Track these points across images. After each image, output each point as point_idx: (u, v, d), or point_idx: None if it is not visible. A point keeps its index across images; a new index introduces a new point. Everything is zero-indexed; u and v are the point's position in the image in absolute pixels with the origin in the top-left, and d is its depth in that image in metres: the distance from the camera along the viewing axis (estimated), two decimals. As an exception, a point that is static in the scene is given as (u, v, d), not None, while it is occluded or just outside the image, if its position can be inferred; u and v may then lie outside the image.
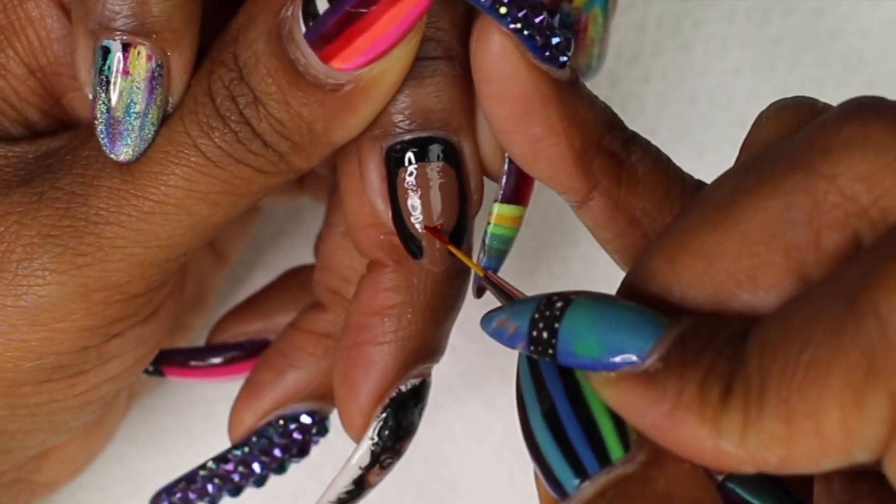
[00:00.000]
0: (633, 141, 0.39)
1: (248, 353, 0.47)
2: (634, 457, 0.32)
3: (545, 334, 0.33)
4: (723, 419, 0.30)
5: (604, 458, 0.32)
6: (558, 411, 0.34)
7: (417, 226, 0.39)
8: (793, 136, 0.33)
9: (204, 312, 0.52)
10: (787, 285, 0.32)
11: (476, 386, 0.55)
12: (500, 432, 0.57)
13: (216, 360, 0.47)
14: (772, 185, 0.32)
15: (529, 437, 0.34)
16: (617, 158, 0.38)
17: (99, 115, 0.38)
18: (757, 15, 0.57)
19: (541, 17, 0.36)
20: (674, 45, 0.58)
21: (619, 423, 0.33)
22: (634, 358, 0.31)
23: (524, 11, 0.36)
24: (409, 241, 0.39)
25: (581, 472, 0.33)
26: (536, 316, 0.33)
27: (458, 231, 0.39)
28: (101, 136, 0.38)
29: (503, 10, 0.36)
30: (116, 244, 0.38)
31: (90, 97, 0.38)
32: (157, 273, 0.39)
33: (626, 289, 0.34)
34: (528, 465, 0.56)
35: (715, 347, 0.31)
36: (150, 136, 0.38)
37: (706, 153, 0.57)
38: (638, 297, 0.33)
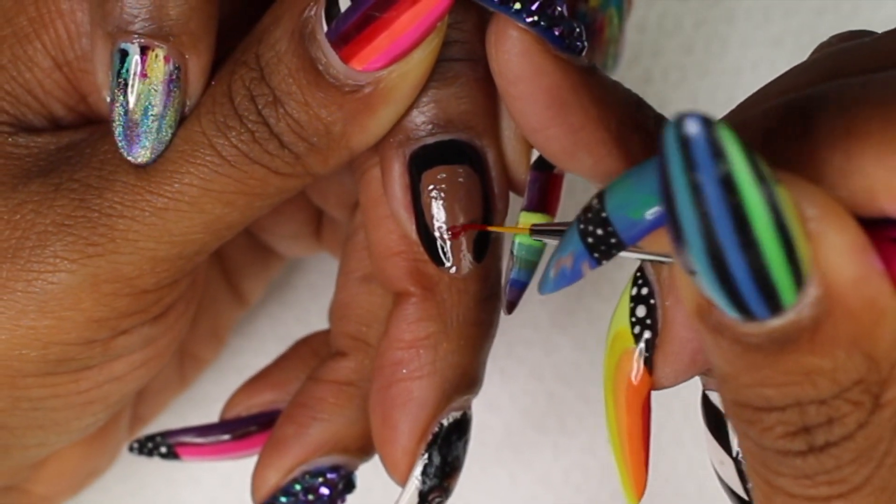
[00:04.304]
0: (662, 118, 0.38)
1: (263, 425, 0.46)
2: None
3: (599, 230, 0.32)
4: None
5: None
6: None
7: (441, 229, 0.38)
8: None
9: (217, 348, 0.52)
10: None
11: (476, 386, 0.55)
12: (500, 432, 0.57)
13: (230, 436, 0.46)
14: None
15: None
16: (651, 135, 0.38)
17: (117, 118, 0.38)
18: (757, 15, 0.58)
19: (552, 8, 0.36)
20: (674, 45, 0.58)
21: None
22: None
23: (538, 4, 0.36)
24: (432, 248, 0.39)
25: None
26: (581, 227, 0.33)
27: (482, 240, 0.39)
28: (119, 138, 0.38)
29: (517, 5, 0.36)
30: (129, 237, 0.38)
31: (108, 100, 0.38)
32: (168, 269, 0.39)
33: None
34: (529, 465, 0.57)
35: None
36: (167, 138, 0.38)
37: (706, 153, 0.57)
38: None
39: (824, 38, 0.54)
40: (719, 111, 0.57)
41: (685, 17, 0.58)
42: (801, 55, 0.56)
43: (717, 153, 0.26)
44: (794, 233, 0.27)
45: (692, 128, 0.26)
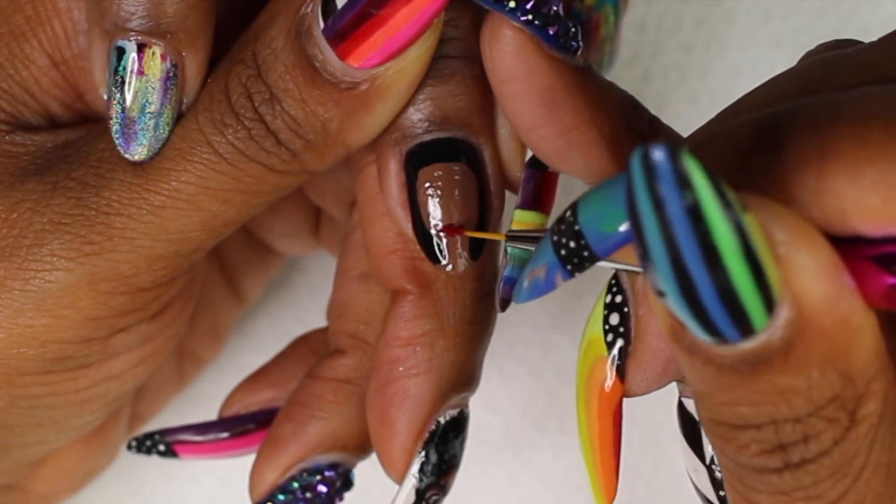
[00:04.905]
0: (656, 121, 0.38)
1: (262, 423, 0.46)
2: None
3: (571, 244, 0.32)
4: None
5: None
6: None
7: (437, 226, 0.38)
8: None
9: (217, 347, 0.52)
10: None
11: (475, 385, 0.55)
12: (499, 431, 0.57)
13: (229, 434, 0.46)
14: None
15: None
16: (645, 138, 0.38)
17: (114, 116, 0.38)
18: (757, 15, 0.58)
19: (548, 7, 0.36)
20: (674, 45, 0.58)
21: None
22: None
23: (532, 3, 0.36)
24: (428, 245, 0.39)
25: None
26: (555, 238, 0.33)
27: (478, 238, 0.39)
28: (116, 135, 0.38)
29: (512, 4, 0.36)
30: (126, 235, 0.38)
31: (105, 97, 0.38)
32: (165, 267, 0.39)
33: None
34: (528, 465, 0.57)
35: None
36: (164, 136, 0.38)
37: (706, 153, 0.57)
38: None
39: (824, 39, 0.54)
40: (719, 111, 0.57)
41: (685, 16, 0.58)
42: (801, 55, 0.56)
43: (683, 182, 0.26)
44: (763, 258, 0.27)
45: (658, 156, 0.26)
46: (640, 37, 0.58)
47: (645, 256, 0.28)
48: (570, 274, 0.33)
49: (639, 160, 0.26)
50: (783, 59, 0.57)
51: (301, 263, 0.57)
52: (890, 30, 0.57)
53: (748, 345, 0.28)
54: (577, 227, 0.32)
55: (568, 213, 0.32)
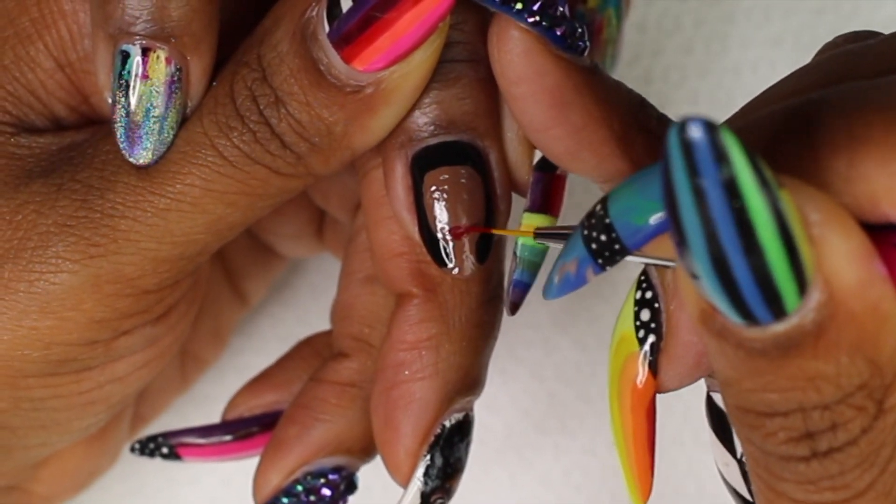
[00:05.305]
0: (665, 118, 0.38)
1: (266, 426, 0.46)
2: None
3: (602, 237, 0.32)
4: None
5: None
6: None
7: (444, 230, 0.38)
8: None
9: (220, 348, 0.52)
10: None
11: (476, 386, 0.55)
12: (500, 433, 0.57)
13: (232, 437, 0.46)
14: None
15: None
16: (655, 136, 0.37)
17: (118, 119, 0.38)
18: (757, 15, 0.58)
19: (554, 8, 0.36)
20: (674, 45, 0.58)
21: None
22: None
23: (539, 4, 0.36)
24: (435, 249, 0.39)
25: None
26: (585, 233, 0.33)
27: (485, 242, 0.39)
28: (121, 139, 0.38)
29: (519, 5, 0.36)
30: (130, 238, 0.38)
31: (109, 101, 0.38)
32: (170, 270, 0.39)
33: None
34: (529, 466, 0.57)
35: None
36: (168, 139, 0.38)
37: (706, 153, 0.57)
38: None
39: (824, 39, 0.54)
40: (720, 111, 0.57)
41: (685, 17, 0.58)
42: (801, 55, 0.56)
43: (721, 157, 0.26)
44: (798, 237, 0.27)
45: (695, 132, 0.26)
46: (640, 37, 0.58)
47: (679, 235, 0.28)
48: (602, 268, 0.33)
49: (676, 135, 0.26)
50: (783, 59, 0.57)
51: (303, 265, 0.57)
52: (890, 30, 0.58)
53: (780, 327, 0.28)
54: (607, 221, 0.32)
55: (598, 207, 0.32)
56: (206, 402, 0.55)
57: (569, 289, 0.34)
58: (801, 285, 0.28)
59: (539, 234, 0.38)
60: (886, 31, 0.57)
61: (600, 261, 0.33)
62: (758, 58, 0.57)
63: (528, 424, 0.57)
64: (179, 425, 0.47)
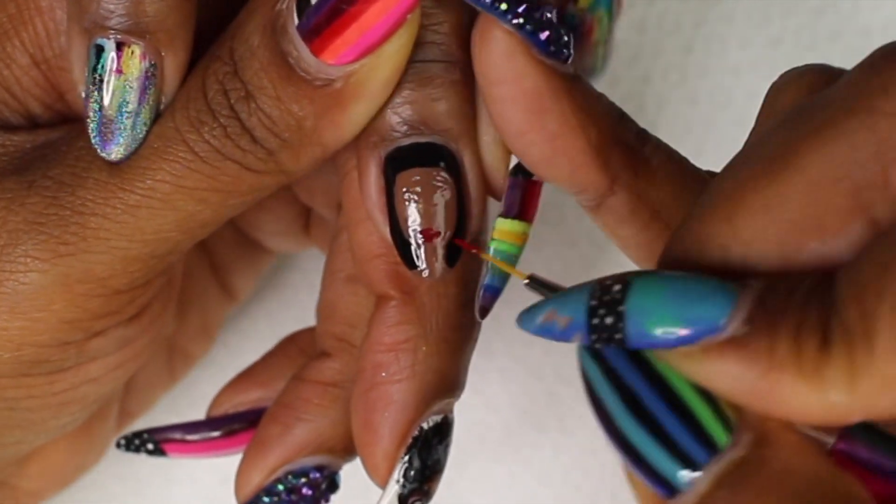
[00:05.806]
0: (644, 133, 0.38)
1: (250, 423, 0.46)
2: (741, 439, 0.31)
3: (608, 320, 0.31)
4: (826, 370, 0.29)
5: (710, 446, 0.30)
6: (645, 402, 0.31)
7: (413, 231, 0.38)
8: (835, 85, 0.32)
9: (207, 344, 0.52)
10: (856, 228, 0.30)
11: (476, 386, 0.55)
12: (500, 432, 0.57)
13: (217, 433, 0.46)
14: (832, 127, 0.31)
15: (617, 435, 0.31)
16: (632, 150, 0.37)
17: (91, 114, 0.38)
18: (757, 15, 0.57)
19: (541, 12, 0.36)
20: (674, 45, 0.58)
21: (715, 405, 0.31)
22: (720, 322, 0.30)
23: (525, 6, 0.36)
24: (405, 250, 0.38)
25: (689, 463, 0.30)
26: (594, 303, 0.31)
27: (455, 245, 0.39)
28: (94, 134, 0.38)
29: (504, 6, 0.35)
30: (100, 235, 0.38)
31: (83, 96, 0.38)
32: (141, 269, 0.39)
33: (674, 261, 0.32)
34: (528, 465, 0.57)
35: (798, 300, 0.30)
36: (141, 135, 0.38)
37: (706, 153, 0.56)
38: (692, 266, 0.32)
39: (824, 39, 0.54)
40: (719, 111, 0.57)
41: (685, 17, 0.58)
42: (801, 55, 0.56)
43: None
44: None
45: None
46: (640, 37, 0.58)
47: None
48: (592, 343, 0.32)
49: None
50: (783, 59, 0.57)
51: (303, 265, 0.58)
52: (890, 30, 0.57)
53: None
54: (621, 308, 0.31)
55: (617, 287, 0.31)
56: (202, 402, 0.55)
57: (546, 336, 0.33)
58: None
59: (533, 282, 0.36)
60: (885, 32, 0.57)
61: (594, 337, 0.31)
62: (758, 58, 0.57)
63: (527, 423, 0.57)
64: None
